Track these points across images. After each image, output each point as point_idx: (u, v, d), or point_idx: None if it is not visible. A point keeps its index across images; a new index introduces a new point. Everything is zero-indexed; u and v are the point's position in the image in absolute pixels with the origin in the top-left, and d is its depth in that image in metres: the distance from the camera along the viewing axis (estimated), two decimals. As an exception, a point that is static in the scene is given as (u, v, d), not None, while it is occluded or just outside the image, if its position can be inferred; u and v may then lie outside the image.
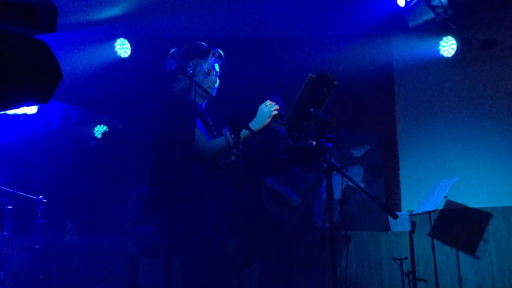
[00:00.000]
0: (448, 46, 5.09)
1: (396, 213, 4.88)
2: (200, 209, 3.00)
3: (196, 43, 3.40)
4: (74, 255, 5.16)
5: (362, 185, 5.35)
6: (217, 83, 3.38)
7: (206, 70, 3.30)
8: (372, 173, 5.42)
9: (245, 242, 3.87)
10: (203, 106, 3.38)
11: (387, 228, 5.10)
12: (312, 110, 2.69)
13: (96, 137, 5.84)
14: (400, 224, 4.91)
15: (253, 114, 3.13)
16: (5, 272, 4.17)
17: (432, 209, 4.54)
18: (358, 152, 4.66)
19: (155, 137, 3.32)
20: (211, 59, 3.32)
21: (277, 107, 3.05)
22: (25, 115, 5.05)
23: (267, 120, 3.02)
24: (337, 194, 5.25)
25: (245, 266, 4.10)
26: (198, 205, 3.01)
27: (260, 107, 3.07)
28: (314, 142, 2.59)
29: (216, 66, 3.36)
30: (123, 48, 5.30)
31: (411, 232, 4.93)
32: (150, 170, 3.25)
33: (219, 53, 3.37)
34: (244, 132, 2.98)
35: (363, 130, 5.52)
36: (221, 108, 3.29)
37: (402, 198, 5.39)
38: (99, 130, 5.80)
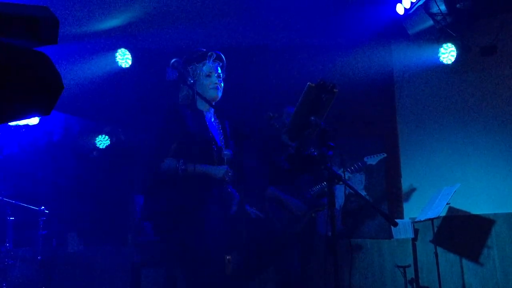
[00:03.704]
0: (448, 53, 5.11)
1: (399, 220, 4.87)
2: (198, 221, 3.01)
3: (194, 50, 3.41)
4: (76, 265, 5.15)
5: (363, 193, 5.34)
6: (220, 84, 3.35)
7: (206, 72, 3.28)
8: (374, 180, 5.41)
9: (249, 255, 3.86)
10: (211, 111, 3.36)
11: (390, 235, 5.08)
12: (312, 118, 2.69)
13: (98, 147, 5.85)
14: (403, 232, 4.90)
15: (253, 121, 3.14)
16: (7, 284, 4.16)
17: (435, 216, 4.53)
18: (373, 160, 4.63)
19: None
20: (209, 61, 3.32)
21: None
22: (27, 126, 5.06)
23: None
24: (339, 202, 5.24)
25: (250, 278, 4.08)
26: (194, 216, 3.01)
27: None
28: (316, 152, 2.59)
29: (217, 68, 3.34)
30: (124, 58, 5.33)
31: (414, 239, 4.91)
32: (145, 180, 3.30)
33: (217, 54, 3.35)
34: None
35: (364, 137, 5.52)
36: (225, 115, 3.32)
37: (404, 205, 5.37)
38: (101, 140, 5.81)
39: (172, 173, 3.05)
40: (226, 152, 3.22)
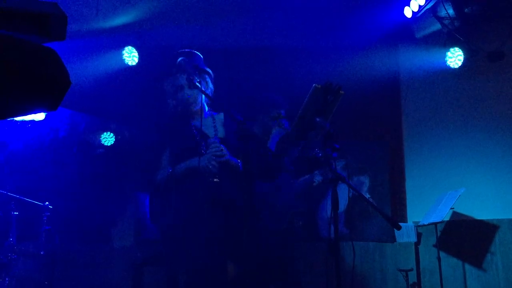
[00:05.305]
0: (455, 57, 5.09)
1: (402, 224, 4.86)
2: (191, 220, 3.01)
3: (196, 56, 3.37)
4: (79, 262, 5.16)
5: (367, 195, 5.33)
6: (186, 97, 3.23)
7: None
8: (378, 183, 5.40)
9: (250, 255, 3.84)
10: (210, 114, 3.34)
11: (392, 239, 5.07)
12: (318, 120, 2.69)
13: (103, 145, 5.85)
14: (406, 235, 4.88)
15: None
16: (10, 278, 4.17)
17: (438, 221, 4.52)
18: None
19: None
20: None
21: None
22: (32, 121, 5.08)
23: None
24: (342, 204, 5.23)
25: (250, 279, 4.06)
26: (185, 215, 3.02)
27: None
28: (321, 153, 2.59)
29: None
30: (130, 56, 5.33)
31: (417, 243, 4.90)
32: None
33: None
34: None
35: (369, 140, 5.52)
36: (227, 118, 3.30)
37: (408, 209, 5.36)
38: (106, 137, 5.82)
39: (166, 180, 3.08)
40: (210, 140, 3.13)
